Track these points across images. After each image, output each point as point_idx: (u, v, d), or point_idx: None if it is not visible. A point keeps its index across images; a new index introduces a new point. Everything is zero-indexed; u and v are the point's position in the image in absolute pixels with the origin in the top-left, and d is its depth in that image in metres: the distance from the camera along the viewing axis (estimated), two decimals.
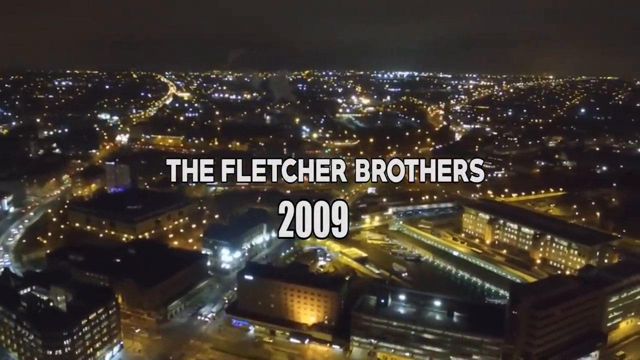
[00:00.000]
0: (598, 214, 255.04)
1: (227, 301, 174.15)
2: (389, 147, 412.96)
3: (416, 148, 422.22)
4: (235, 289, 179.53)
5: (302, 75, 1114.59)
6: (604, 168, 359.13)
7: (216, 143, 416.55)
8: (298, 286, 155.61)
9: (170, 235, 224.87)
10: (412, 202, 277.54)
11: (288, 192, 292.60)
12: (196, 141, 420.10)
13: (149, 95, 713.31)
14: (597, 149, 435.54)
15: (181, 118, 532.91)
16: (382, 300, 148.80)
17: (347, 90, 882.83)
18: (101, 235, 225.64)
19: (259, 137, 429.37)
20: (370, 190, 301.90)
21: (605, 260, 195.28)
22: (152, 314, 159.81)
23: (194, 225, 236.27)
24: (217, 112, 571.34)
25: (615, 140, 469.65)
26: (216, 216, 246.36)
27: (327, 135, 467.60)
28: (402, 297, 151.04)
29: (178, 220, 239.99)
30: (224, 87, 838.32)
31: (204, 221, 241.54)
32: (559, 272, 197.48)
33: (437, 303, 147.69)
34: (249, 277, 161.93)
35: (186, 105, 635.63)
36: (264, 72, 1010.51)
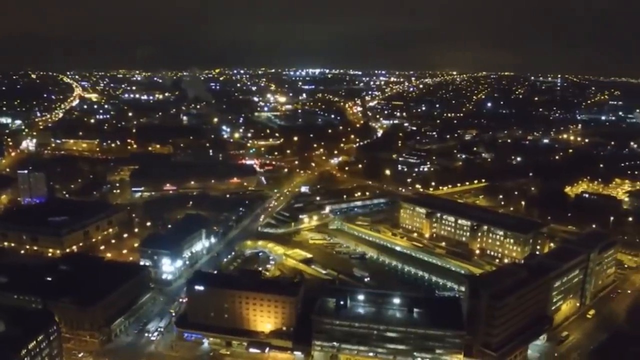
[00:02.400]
0: (523, 203, 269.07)
1: (173, 314, 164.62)
2: (314, 145, 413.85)
3: (341, 145, 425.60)
4: (181, 300, 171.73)
5: (213, 73, 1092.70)
6: (519, 159, 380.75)
7: (134, 146, 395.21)
8: (253, 293, 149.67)
9: (102, 247, 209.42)
10: (346, 199, 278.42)
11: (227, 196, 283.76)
12: (112, 145, 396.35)
13: (53, 96, 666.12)
14: (509, 140, 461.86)
15: (92, 120, 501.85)
16: (342, 302, 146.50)
17: (262, 89, 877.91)
18: (22, 252, 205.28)
19: (179, 138, 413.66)
20: (304, 189, 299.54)
21: (538, 247, 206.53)
22: (94, 335, 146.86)
23: (125, 235, 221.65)
24: (130, 114, 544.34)
25: (523, 132, 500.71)
26: (148, 224, 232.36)
27: (249, 135, 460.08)
28: (360, 297, 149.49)
29: (107, 230, 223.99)
30: (134, 87, 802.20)
31: (136, 230, 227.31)
32: (497, 260, 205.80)
33: (396, 300, 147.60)
34: (199, 288, 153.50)
35: (95, 106, 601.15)
36: (174, 71, 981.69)
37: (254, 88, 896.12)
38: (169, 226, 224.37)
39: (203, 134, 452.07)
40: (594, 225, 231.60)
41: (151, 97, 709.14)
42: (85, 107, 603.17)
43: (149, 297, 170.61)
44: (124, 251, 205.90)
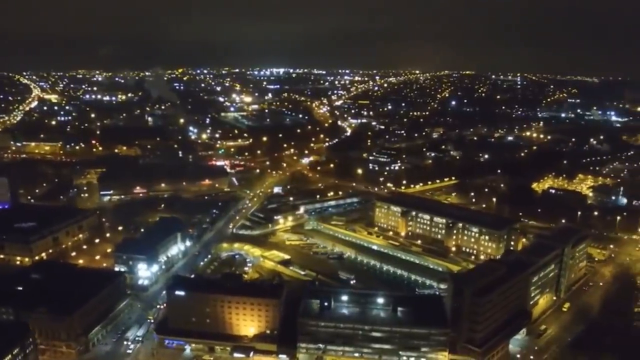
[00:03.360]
0: (494, 199, 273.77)
1: (152, 320, 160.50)
2: (284, 145, 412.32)
3: (311, 145, 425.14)
4: (158, 306, 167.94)
5: (176, 73, 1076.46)
6: (486, 156, 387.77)
7: (100, 148, 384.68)
8: (236, 297, 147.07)
9: (73, 253, 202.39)
10: (319, 199, 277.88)
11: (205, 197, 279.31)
12: (77, 147, 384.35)
13: (10, 97, 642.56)
14: (475, 138, 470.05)
15: (53, 122, 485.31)
16: (326, 303, 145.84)
17: (227, 89, 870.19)
18: None
19: (145, 140, 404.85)
20: (276, 189, 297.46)
21: (512, 243, 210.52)
22: (71, 346, 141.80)
23: (97, 240, 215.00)
24: (92, 115, 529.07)
25: (488, 130, 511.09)
26: (119, 228, 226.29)
27: (217, 136, 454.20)
28: (344, 297, 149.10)
29: (78, 235, 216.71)
30: (95, 88, 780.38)
31: (107, 234, 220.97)
32: (473, 257, 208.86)
33: (380, 300, 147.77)
34: (180, 293, 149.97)
35: (56, 108, 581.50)
36: (136, 71, 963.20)
37: (218, 88, 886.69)
38: (142, 230, 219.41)
39: (170, 135, 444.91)
40: (563, 221, 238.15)
41: (114, 98, 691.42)
42: (45, 108, 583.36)
43: (125, 303, 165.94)
44: (97, 257, 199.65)
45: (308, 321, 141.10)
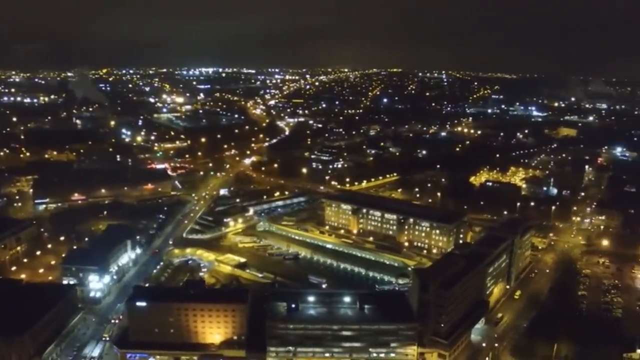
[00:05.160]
0: (439, 194, 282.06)
1: (107, 338, 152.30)
2: (224, 146, 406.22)
3: (252, 145, 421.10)
4: (113, 320, 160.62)
5: (100, 74, 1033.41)
6: (424, 152, 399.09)
7: (27, 154, 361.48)
8: (201, 305, 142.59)
9: (13, 268, 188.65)
10: (267, 199, 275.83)
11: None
12: (1, 153, 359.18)
13: None
14: (411, 135, 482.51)
15: None
16: (293, 305, 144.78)
17: (156, 89, 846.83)
18: None
19: (77, 144, 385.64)
20: (222, 191, 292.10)
21: (461, 236, 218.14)
22: None
23: (38, 252, 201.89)
24: (13, 119, 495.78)
25: (422, 126, 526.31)
26: (61, 238, 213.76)
27: (152, 138, 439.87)
28: (310, 298, 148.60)
29: (16, 248, 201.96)
30: (12, 89, 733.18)
31: (49, 245, 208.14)
32: (425, 251, 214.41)
33: (346, 299, 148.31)
34: (141, 304, 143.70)
35: None
36: (57, 72, 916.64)
37: (147, 89, 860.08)
38: (87, 239, 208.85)
39: (102, 138, 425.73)
40: (505, 212, 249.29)
41: (35, 100, 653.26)
42: None
43: (79, 318, 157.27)
44: (40, 270, 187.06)
45: (276, 324, 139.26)
